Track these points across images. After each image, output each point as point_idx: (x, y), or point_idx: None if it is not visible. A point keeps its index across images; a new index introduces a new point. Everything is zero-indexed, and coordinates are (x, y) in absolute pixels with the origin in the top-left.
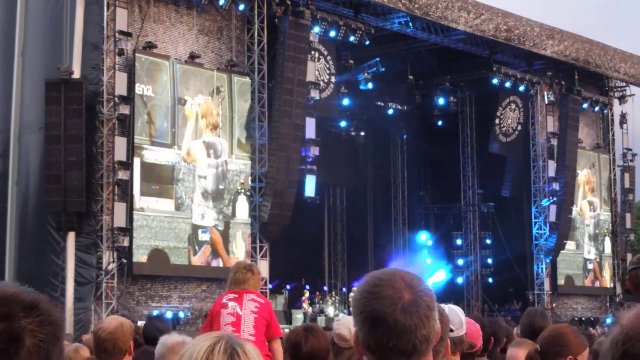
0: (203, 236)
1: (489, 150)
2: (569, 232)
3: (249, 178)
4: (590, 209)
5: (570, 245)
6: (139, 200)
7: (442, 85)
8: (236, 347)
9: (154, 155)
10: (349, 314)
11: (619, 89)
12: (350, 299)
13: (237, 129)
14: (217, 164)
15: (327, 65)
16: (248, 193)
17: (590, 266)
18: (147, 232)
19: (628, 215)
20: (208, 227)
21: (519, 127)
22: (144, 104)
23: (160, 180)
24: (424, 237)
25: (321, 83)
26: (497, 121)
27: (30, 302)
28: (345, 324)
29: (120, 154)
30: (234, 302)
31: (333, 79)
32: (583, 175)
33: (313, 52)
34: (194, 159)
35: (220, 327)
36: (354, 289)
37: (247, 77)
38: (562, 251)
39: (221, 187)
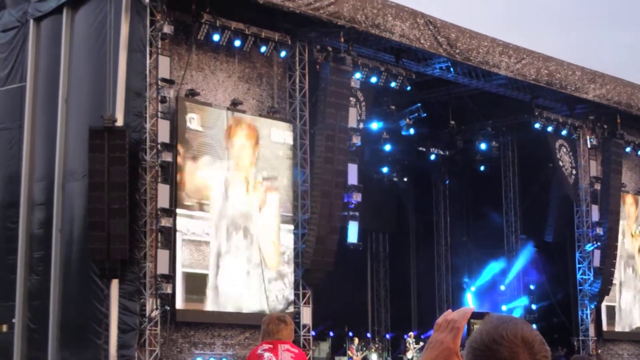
0: None
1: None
2: (613, 278)
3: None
4: None
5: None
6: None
7: (483, 130)
8: None
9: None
10: None
11: None
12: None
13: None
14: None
15: (359, 112)
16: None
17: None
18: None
19: None
20: None
21: (574, 171)
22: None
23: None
24: (467, 283)
25: None
26: (560, 163)
27: None
28: None
29: (163, 201)
30: (269, 352)
31: (362, 125)
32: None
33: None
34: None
35: None
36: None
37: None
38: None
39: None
